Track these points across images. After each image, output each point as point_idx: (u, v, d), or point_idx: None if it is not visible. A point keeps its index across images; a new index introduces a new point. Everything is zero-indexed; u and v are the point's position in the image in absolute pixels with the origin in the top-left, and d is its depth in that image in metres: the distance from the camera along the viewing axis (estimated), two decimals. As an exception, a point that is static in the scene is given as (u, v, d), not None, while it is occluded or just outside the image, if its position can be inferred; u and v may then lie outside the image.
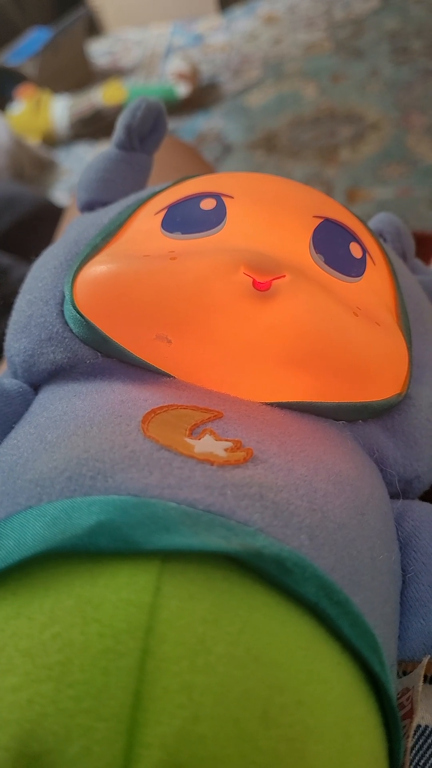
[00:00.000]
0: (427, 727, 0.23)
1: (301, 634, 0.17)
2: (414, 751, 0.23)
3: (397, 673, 0.22)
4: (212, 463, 0.20)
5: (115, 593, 0.16)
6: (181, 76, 1.70)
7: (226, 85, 1.78)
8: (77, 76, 1.94)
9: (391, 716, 0.18)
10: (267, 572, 0.17)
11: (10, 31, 1.97)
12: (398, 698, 0.21)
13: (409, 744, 0.20)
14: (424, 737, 0.23)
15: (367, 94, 1.56)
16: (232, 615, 0.16)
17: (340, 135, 1.46)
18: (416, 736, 0.23)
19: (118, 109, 1.63)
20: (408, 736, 0.20)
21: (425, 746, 0.23)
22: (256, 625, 0.16)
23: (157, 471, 0.19)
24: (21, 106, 1.68)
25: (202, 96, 1.74)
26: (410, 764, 0.22)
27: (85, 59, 1.99)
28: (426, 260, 0.78)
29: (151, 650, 0.15)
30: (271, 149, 1.49)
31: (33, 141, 1.63)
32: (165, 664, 0.15)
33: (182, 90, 1.68)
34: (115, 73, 1.99)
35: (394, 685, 0.20)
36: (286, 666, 0.16)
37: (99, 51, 2.15)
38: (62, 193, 1.53)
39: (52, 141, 1.70)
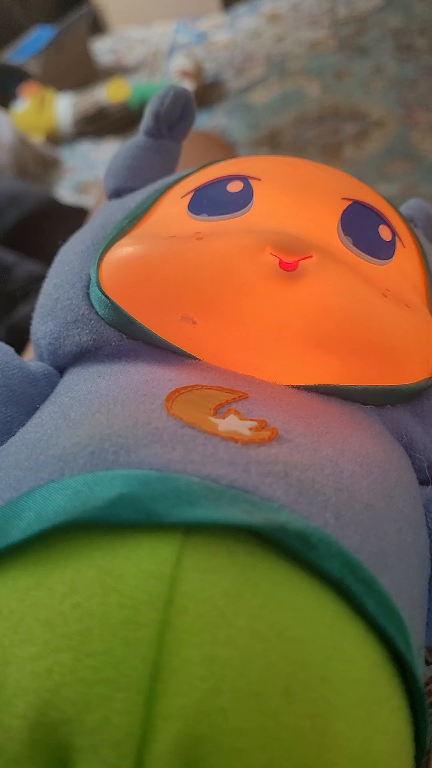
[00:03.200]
0: None
1: (325, 611, 0.17)
2: None
3: (425, 661, 0.22)
4: (236, 441, 0.20)
5: (136, 565, 0.16)
6: (185, 74, 1.70)
7: (229, 82, 1.78)
8: (81, 74, 1.94)
9: (418, 699, 0.18)
10: (291, 547, 0.17)
11: (13, 29, 1.97)
12: (426, 684, 0.21)
13: None
14: None
15: (371, 91, 1.56)
16: (254, 589, 0.16)
17: (344, 132, 1.46)
18: None
19: (122, 107, 1.63)
20: None
21: None
22: (279, 600, 0.16)
23: (181, 447, 0.19)
24: (25, 104, 1.68)
25: (206, 94, 1.74)
26: None
27: (89, 57, 1.99)
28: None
29: (171, 621, 0.15)
30: (275, 147, 1.49)
31: (37, 139, 1.64)
32: (185, 636, 0.15)
33: (186, 87, 1.67)
34: (118, 71, 1.99)
35: (421, 670, 0.19)
36: (310, 642, 0.16)
37: (103, 49, 2.15)
38: (66, 191, 1.53)
39: (56, 139, 1.70)
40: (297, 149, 1.46)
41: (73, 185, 1.56)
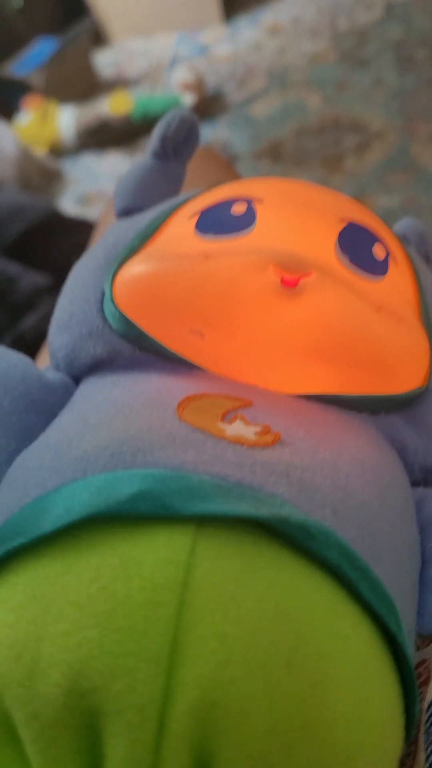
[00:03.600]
0: None
1: (324, 594, 0.19)
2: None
3: (416, 646, 0.24)
4: (243, 444, 0.22)
5: (155, 553, 0.18)
6: (187, 86, 1.72)
7: (231, 95, 1.79)
8: (83, 86, 1.95)
9: (408, 676, 0.20)
10: (293, 538, 0.19)
11: (16, 42, 1.99)
12: (416, 668, 0.23)
13: (425, 706, 0.21)
14: None
15: (371, 103, 1.57)
16: (260, 574, 0.18)
17: (345, 144, 1.47)
18: None
19: (124, 119, 1.65)
20: (423, 700, 0.22)
21: None
22: (282, 584, 0.18)
23: (192, 449, 0.21)
24: (28, 116, 1.70)
25: (208, 106, 1.76)
26: None
27: (91, 70, 2.01)
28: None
29: (187, 602, 0.17)
30: (276, 158, 1.50)
31: (40, 151, 1.65)
32: (200, 615, 0.17)
33: (188, 100, 1.69)
34: (120, 83, 2.01)
35: (411, 651, 0.21)
36: (310, 621, 0.18)
37: (105, 61, 2.16)
38: (69, 203, 1.54)
39: (58, 151, 1.71)
40: (298, 161, 1.47)
41: (76, 197, 1.57)
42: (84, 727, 0.16)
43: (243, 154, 1.55)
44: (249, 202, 0.30)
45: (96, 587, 0.17)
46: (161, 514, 0.18)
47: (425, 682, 0.22)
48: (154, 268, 0.28)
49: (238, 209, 0.30)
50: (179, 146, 0.39)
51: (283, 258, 0.26)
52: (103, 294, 0.29)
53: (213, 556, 0.18)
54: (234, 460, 0.21)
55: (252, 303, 0.26)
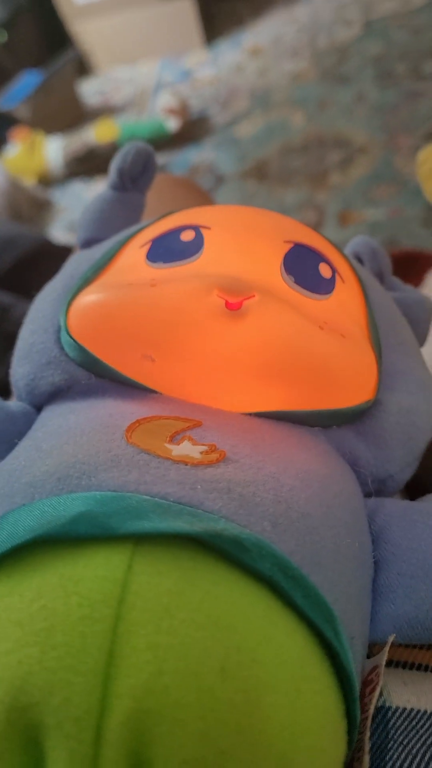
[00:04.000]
0: (413, 710, 0.25)
1: (257, 604, 0.19)
2: (400, 732, 0.24)
3: (367, 655, 0.24)
4: (187, 464, 0.23)
5: (93, 571, 0.19)
6: (171, 111, 1.74)
7: (215, 117, 1.82)
8: (69, 116, 1.98)
9: (346, 680, 0.20)
10: (227, 552, 0.19)
11: (1, 76, 2.02)
12: (368, 675, 0.23)
13: (371, 711, 0.22)
14: (408, 719, 0.25)
15: (354, 118, 1.59)
16: (195, 587, 0.18)
17: (330, 160, 1.49)
18: (403, 718, 0.25)
19: (111, 147, 1.67)
20: (371, 705, 0.22)
21: (410, 728, 0.24)
22: (216, 596, 0.18)
23: (136, 470, 0.22)
24: (16, 148, 1.72)
25: (193, 129, 1.78)
26: (397, 744, 0.24)
27: (77, 99, 2.03)
28: (419, 276, 0.79)
29: (123, 616, 0.18)
30: (262, 177, 1.52)
31: (29, 181, 1.67)
32: (134, 628, 0.17)
33: (173, 124, 1.71)
34: (106, 111, 2.04)
35: (358, 659, 0.22)
36: (243, 629, 0.18)
37: (90, 90, 2.20)
38: (60, 231, 1.56)
39: (47, 180, 1.73)
40: (284, 179, 1.48)
41: (66, 225, 1.58)
42: (27, 741, 0.17)
43: (229, 174, 1.57)
44: (197, 229, 0.31)
45: (36, 606, 0.18)
46: (100, 533, 0.19)
47: (375, 689, 0.22)
48: (103, 298, 0.29)
49: (187, 236, 0.31)
50: (137, 177, 0.41)
51: (227, 281, 0.27)
52: (59, 324, 0.30)
53: (149, 571, 0.18)
54: (176, 479, 0.22)
55: (198, 327, 0.27)
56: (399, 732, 0.24)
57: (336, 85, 1.74)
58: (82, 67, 2.25)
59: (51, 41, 2.23)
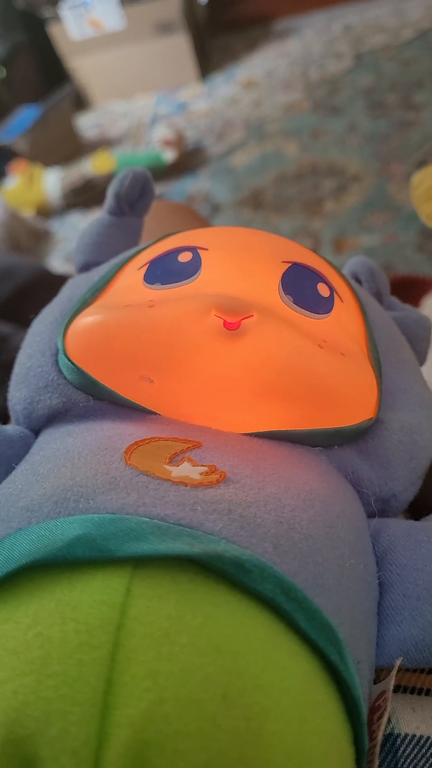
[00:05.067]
0: (422, 737, 0.24)
1: (259, 627, 0.18)
2: (410, 761, 0.24)
3: (374, 680, 0.23)
4: (186, 485, 0.22)
5: (90, 595, 0.18)
6: (167, 143, 1.77)
7: (210, 148, 1.85)
8: (67, 149, 2.01)
9: (353, 706, 0.19)
10: (228, 573, 0.19)
11: (0, 110, 2.06)
12: (375, 701, 0.22)
13: (379, 738, 0.21)
14: (418, 747, 0.24)
15: (347, 148, 1.62)
16: (195, 611, 0.18)
17: (324, 188, 1.51)
18: (412, 746, 0.24)
19: (108, 178, 1.69)
20: (379, 731, 0.21)
21: (420, 757, 0.23)
22: (217, 619, 0.18)
23: (135, 492, 0.21)
24: (14, 181, 1.74)
25: (189, 160, 1.81)
26: None
27: (74, 132, 2.07)
28: (416, 301, 0.79)
29: (121, 643, 0.17)
30: (257, 206, 1.54)
31: (28, 213, 1.69)
32: (133, 654, 0.17)
33: (169, 156, 1.74)
34: (103, 143, 2.07)
35: (365, 683, 0.21)
36: (245, 654, 0.17)
37: (87, 124, 2.23)
38: (58, 261, 1.57)
39: (46, 212, 1.75)
40: (279, 207, 1.50)
41: (64, 255, 1.60)
42: None
43: (225, 203, 1.59)
44: (194, 251, 0.31)
45: (32, 633, 0.17)
46: (98, 557, 0.19)
47: (383, 715, 0.21)
48: (100, 319, 0.28)
49: (184, 258, 0.31)
50: (134, 202, 0.41)
51: (225, 301, 0.27)
52: (57, 347, 0.30)
53: (148, 595, 0.18)
54: (175, 500, 0.21)
55: (196, 347, 0.26)
56: (408, 761, 0.23)
57: (328, 116, 1.78)
58: (80, 102, 2.29)
59: (49, 76, 2.28)
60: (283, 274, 0.30)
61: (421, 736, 0.24)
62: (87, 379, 0.28)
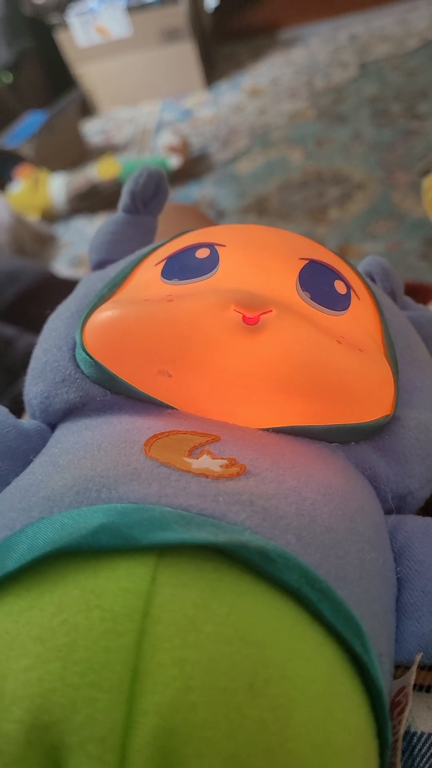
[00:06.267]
0: None
1: (285, 617, 0.18)
2: (426, 760, 0.23)
3: (393, 676, 0.23)
4: (207, 477, 0.22)
5: (116, 583, 0.18)
6: (172, 149, 1.78)
7: (215, 155, 1.86)
8: (73, 154, 2.02)
9: (377, 698, 0.19)
10: (253, 563, 0.19)
11: (7, 115, 2.07)
12: (395, 696, 0.22)
13: (401, 733, 0.21)
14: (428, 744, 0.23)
15: (351, 156, 1.63)
16: (220, 599, 0.18)
17: (328, 196, 1.51)
18: (429, 744, 0.23)
19: (113, 183, 1.70)
20: (401, 726, 0.21)
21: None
22: (242, 608, 0.18)
23: (156, 483, 0.21)
24: (20, 185, 1.75)
25: (194, 167, 1.82)
26: None
27: (80, 138, 2.08)
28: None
29: (147, 630, 0.17)
30: (262, 213, 1.54)
31: (33, 217, 1.69)
32: (159, 642, 0.17)
33: (174, 162, 1.74)
34: (108, 149, 2.08)
35: (387, 677, 0.21)
36: (271, 644, 0.17)
37: (93, 130, 2.24)
38: (63, 265, 1.58)
39: (51, 216, 1.76)
40: (283, 214, 1.51)
41: (69, 260, 1.60)
42: (48, 763, 0.16)
43: (230, 210, 1.59)
44: (212, 247, 0.31)
45: (58, 621, 0.17)
46: (123, 545, 0.19)
47: (404, 710, 0.21)
48: (119, 313, 0.28)
49: (202, 254, 0.31)
50: (148, 200, 0.41)
51: (244, 296, 0.27)
52: (74, 342, 0.30)
53: (174, 583, 0.18)
54: (197, 491, 0.21)
55: (215, 341, 0.26)
56: (425, 760, 0.23)
57: (333, 124, 1.79)
58: (86, 108, 2.31)
59: (55, 82, 2.29)
60: (301, 270, 0.30)
61: None
62: (105, 373, 0.28)
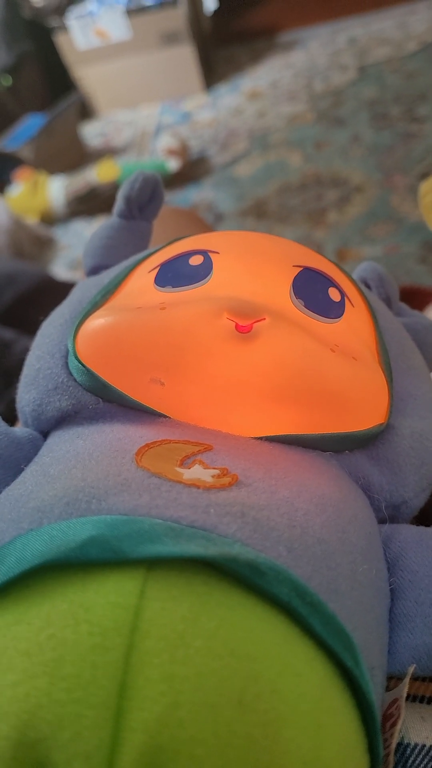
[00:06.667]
0: None
1: (275, 631, 0.18)
2: None
3: (386, 688, 0.23)
4: (199, 487, 0.22)
5: (104, 597, 0.18)
6: (171, 152, 1.78)
7: (214, 158, 1.86)
8: (72, 157, 2.02)
9: (368, 712, 0.19)
10: (243, 576, 0.18)
11: (6, 118, 2.08)
12: (387, 709, 0.22)
13: (393, 747, 0.21)
14: (429, 758, 0.23)
15: (350, 159, 1.63)
16: (210, 613, 0.18)
17: (327, 199, 1.52)
18: (422, 756, 0.23)
19: (112, 186, 1.70)
20: (393, 739, 0.21)
21: (430, 766, 0.23)
22: (232, 622, 0.18)
23: (147, 494, 0.21)
24: (19, 188, 1.75)
25: (193, 169, 1.82)
26: None
27: (79, 141, 2.08)
28: (419, 311, 0.80)
29: (136, 645, 0.17)
30: (261, 216, 1.54)
31: (31, 220, 1.69)
32: (148, 657, 0.16)
33: (173, 165, 1.74)
34: (108, 152, 2.08)
35: (378, 690, 0.21)
36: (261, 658, 0.17)
37: (92, 132, 2.25)
38: (61, 268, 1.58)
39: (50, 219, 1.76)
40: (282, 217, 1.51)
41: (68, 262, 1.60)
42: None
43: (229, 213, 1.59)
44: (205, 254, 0.31)
45: (45, 635, 0.17)
46: (112, 558, 0.18)
47: (396, 722, 0.21)
48: (111, 321, 0.28)
49: (195, 261, 0.31)
50: (144, 205, 0.41)
51: (237, 304, 0.27)
52: (67, 349, 0.30)
53: (163, 597, 0.18)
54: (188, 502, 0.21)
55: (208, 349, 0.26)
56: None
57: (332, 127, 1.79)
58: (85, 110, 2.31)
59: (54, 85, 2.30)
60: (295, 278, 0.30)
61: (431, 747, 0.23)
62: (97, 381, 0.28)
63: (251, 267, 0.30)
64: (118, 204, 0.41)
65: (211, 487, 0.22)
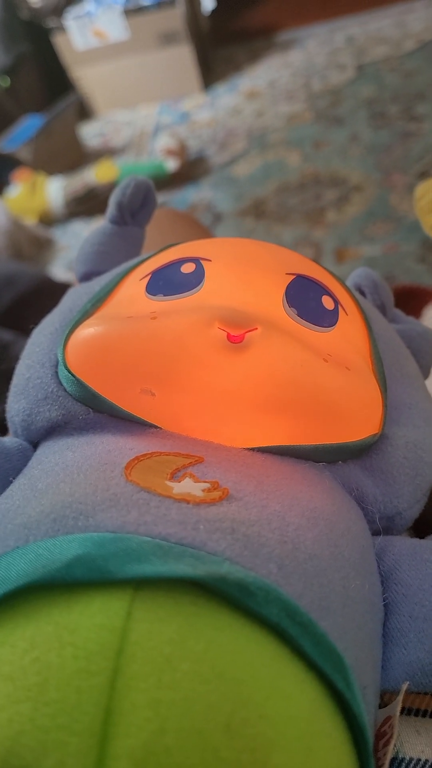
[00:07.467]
0: (427, 761, 0.23)
1: (264, 653, 0.18)
2: None
3: (379, 704, 0.23)
4: (188, 502, 0.21)
5: (90, 619, 0.17)
6: (170, 152, 1.77)
7: (213, 157, 1.85)
8: (70, 157, 2.02)
9: (360, 734, 0.19)
10: (232, 596, 0.18)
11: (5, 119, 2.07)
12: (380, 727, 0.22)
13: (386, 766, 0.20)
14: None
15: (348, 158, 1.62)
16: (197, 635, 0.17)
17: (326, 198, 1.51)
18: None
19: (110, 187, 1.69)
20: (386, 757, 0.20)
21: None
22: (220, 645, 0.17)
23: (135, 510, 0.21)
24: (17, 189, 1.75)
25: (191, 169, 1.82)
26: None
27: (78, 141, 2.07)
28: (417, 311, 0.79)
29: (121, 669, 0.16)
30: (259, 215, 1.54)
31: (30, 221, 1.69)
32: (134, 682, 0.16)
33: (171, 165, 1.74)
34: (106, 152, 2.08)
35: (371, 709, 0.20)
36: (249, 682, 0.17)
37: (90, 133, 2.24)
38: (60, 269, 1.57)
39: (48, 220, 1.75)
40: (281, 217, 1.50)
41: (67, 263, 1.60)
42: None
43: (227, 213, 1.59)
44: (197, 262, 0.30)
45: (29, 659, 0.17)
46: (98, 578, 0.18)
47: (389, 741, 0.21)
48: (101, 331, 0.28)
49: (187, 269, 0.30)
50: (136, 211, 0.40)
51: (228, 314, 0.26)
52: (57, 359, 0.29)
53: (150, 618, 0.17)
54: (177, 518, 0.20)
55: (199, 360, 0.26)
56: None
57: (331, 126, 1.78)
58: (83, 111, 2.30)
59: (53, 86, 2.29)
60: (288, 286, 0.30)
61: (426, 761, 0.23)
62: (87, 391, 0.28)
63: (243, 275, 0.30)
64: (110, 210, 0.40)
65: (201, 501, 0.22)
